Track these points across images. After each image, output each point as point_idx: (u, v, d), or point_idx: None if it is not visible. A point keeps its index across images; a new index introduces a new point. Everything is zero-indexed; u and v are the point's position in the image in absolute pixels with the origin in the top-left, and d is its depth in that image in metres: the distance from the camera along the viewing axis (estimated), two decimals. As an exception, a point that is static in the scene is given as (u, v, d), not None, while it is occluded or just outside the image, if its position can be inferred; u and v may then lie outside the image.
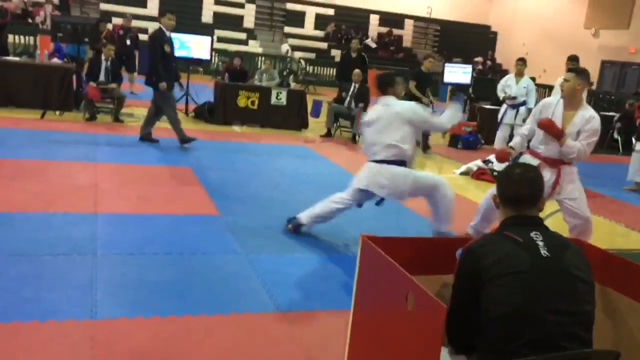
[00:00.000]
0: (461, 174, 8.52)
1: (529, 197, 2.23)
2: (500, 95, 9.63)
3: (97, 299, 3.46)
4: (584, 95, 4.84)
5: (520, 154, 5.14)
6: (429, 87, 10.34)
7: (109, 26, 13.21)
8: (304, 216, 5.00)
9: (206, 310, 3.48)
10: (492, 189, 4.97)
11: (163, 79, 7.88)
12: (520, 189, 2.23)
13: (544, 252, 2.06)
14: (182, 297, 3.64)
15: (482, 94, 15.59)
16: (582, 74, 4.65)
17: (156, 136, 8.56)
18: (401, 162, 4.77)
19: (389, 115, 4.75)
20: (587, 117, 4.58)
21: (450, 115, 5.07)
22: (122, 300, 3.51)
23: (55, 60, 11.34)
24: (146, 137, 8.29)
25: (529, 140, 5.00)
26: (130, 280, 3.81)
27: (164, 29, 7.98)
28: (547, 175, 4.55)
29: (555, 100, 4.80)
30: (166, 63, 7.95)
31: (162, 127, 9.60)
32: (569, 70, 4.74)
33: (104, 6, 21.92)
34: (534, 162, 4.60)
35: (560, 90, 4.71)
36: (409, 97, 8.78)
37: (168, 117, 8.18)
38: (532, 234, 2.12)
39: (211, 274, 4.06)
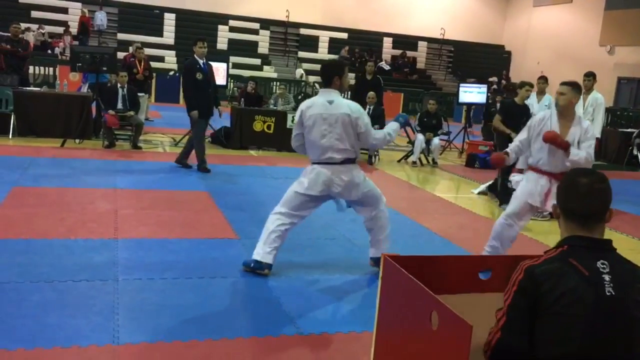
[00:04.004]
0: (479, 193, 8.47)
1: (598, 213, 2.00)
2: None
3: (119, 324, 3.47)
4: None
5: (515, 162, 5.24)
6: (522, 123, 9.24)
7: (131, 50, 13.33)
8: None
9: (227, 334, 3.47)
10: (507, 210, 4.96)
11: (194, 108, 7.94)
12: (589, 204, 1.99)
13: (608, 289, 1.88)
14: (202, 321, 3.63)
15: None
16: (577, 87, 4.72)
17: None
18: None
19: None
20: (585, 128, 4.69)
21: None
22: (144, 325, 3.51)
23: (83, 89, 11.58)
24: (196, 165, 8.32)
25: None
26: (151, 305, 3.81)
27: (197, 57, 8.01)
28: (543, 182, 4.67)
29: (546, 114, 4.84)
30: (199, 91, 7.97)
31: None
32: (563, 83, 4.74)
33: (121, 36, 22.33)
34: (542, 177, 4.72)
35: (556, 103, 4.74)
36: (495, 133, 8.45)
37: (195, 141, 8.25)
38: (599, 264, 1.91)
39: (231, 298, 4.06)
